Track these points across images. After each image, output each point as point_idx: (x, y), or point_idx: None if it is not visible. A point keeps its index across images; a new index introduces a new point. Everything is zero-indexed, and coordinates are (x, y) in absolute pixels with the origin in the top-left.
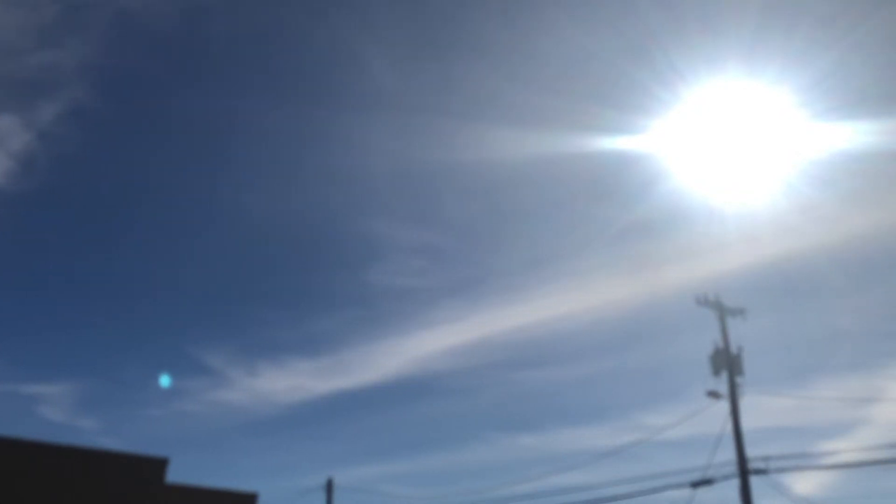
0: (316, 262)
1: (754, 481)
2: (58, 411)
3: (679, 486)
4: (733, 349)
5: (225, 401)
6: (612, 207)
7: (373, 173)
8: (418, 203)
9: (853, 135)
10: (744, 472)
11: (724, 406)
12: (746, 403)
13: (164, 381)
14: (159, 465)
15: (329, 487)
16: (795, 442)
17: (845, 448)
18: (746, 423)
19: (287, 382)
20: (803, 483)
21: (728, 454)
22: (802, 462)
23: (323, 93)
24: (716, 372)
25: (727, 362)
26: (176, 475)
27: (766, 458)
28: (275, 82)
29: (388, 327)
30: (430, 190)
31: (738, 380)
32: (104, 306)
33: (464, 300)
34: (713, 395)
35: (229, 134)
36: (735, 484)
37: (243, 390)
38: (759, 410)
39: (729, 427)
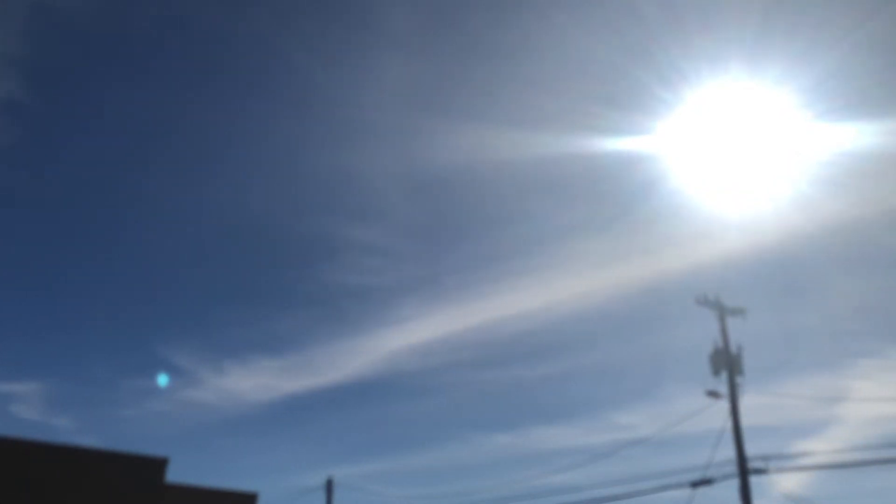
0: (270, 260)
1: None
2: (31, 410)
3: (679, 486)
4: (732, 348)
5: (196, 400)
6: (603, 206)
7: (372, 176)
8: (366, 202)
9: (856, 135)
10: (744, 471)
11: (710, 405)
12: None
13: (162, 380)
14: (159, 465)
15: (329, 487)
16: (770, 441)
17: (823, 448)
18: (723, 422)
19: (254, 381)
20: (784, 481)
21: (723, 453)
22: (801, 462)
23: (280, 92)
24: (716, 372)
25: (727, 362)
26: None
27: (766, 458)
28: (221, 80)
29: (349, 326)
30: (385, 190)
31: (738, 379)
32: (71, 306)
33: (424, 298)
34: (713, 394)
35: (188, 133)
36: (730, 484)
37: (213, 389)
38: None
39: (721, 427)
